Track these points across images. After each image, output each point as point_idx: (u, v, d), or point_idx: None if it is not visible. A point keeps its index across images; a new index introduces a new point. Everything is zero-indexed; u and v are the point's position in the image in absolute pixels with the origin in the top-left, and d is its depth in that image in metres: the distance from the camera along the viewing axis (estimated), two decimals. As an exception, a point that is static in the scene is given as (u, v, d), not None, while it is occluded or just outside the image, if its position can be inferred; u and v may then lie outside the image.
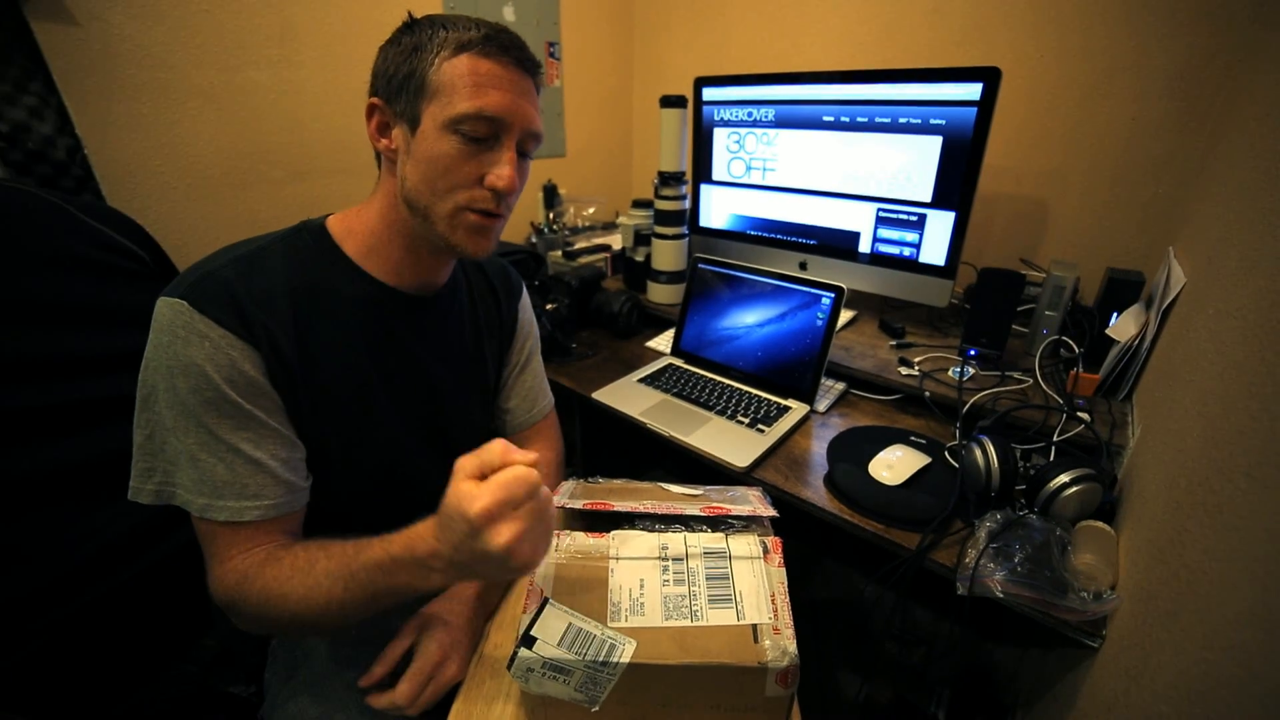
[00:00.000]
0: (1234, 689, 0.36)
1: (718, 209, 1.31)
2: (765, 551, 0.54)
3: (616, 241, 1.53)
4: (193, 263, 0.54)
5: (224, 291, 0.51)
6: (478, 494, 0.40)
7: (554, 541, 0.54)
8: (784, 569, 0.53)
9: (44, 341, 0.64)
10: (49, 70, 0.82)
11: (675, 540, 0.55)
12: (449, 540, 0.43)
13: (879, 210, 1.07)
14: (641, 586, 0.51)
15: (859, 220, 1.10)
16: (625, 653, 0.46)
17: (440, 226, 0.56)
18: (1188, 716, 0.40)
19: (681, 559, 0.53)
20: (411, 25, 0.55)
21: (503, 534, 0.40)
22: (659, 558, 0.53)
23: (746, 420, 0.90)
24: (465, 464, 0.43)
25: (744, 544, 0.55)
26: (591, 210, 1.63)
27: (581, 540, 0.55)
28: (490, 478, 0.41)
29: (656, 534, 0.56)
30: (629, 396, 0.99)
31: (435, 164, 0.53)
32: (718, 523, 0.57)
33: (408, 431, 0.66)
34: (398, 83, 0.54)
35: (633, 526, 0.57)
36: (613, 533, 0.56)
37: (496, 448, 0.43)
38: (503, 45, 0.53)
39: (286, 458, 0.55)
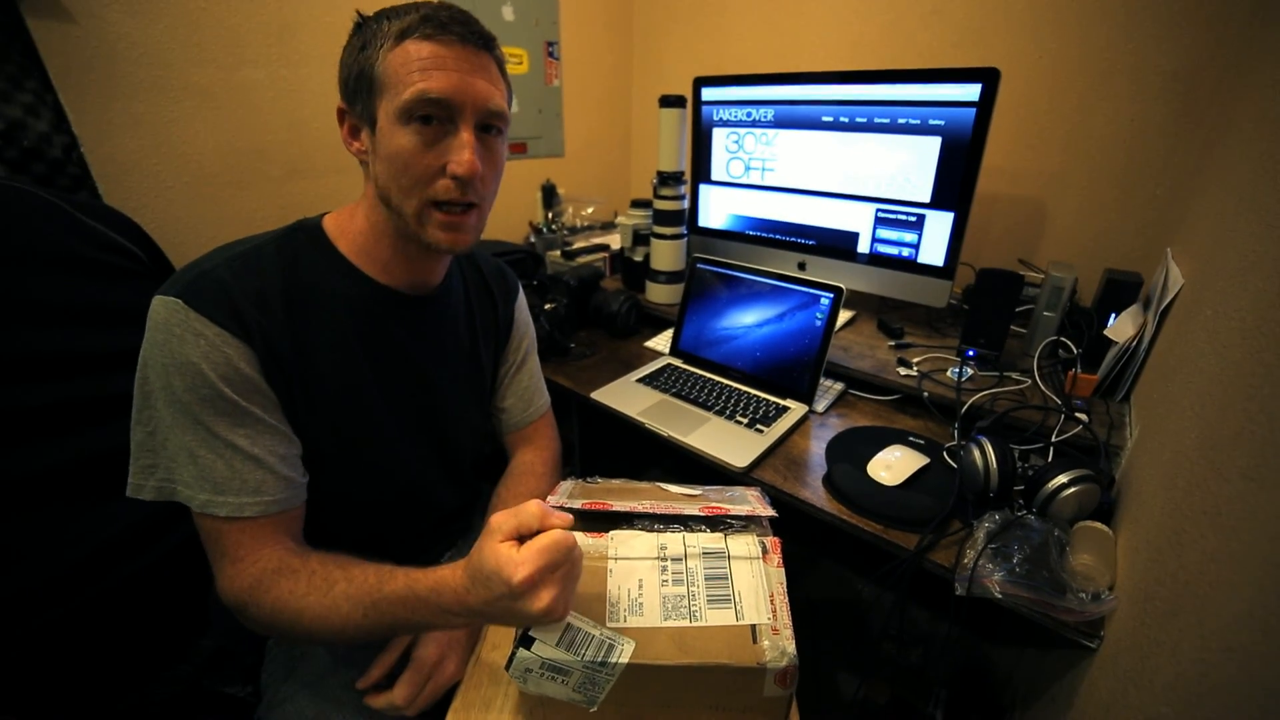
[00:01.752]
0: (1232, 691, 0.36)
1: (716, 209, 1.31)
2: (764, 551, 0.54)
3: (615, 241, 1.53)
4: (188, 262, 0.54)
5: (219, 290, 0.51)
6: (521, 561, 0.41)
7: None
8: (783, 569, 0.53)
9: (40, 340, 0.64)
10: (45, 68, 0.81)
11: (674, 540, 0.55)
12: (481, 596, 0.44)
13: (878, 211, 1.07)
14: (640, 587, 0.51)
15: (858, 220, 1.10)
16: (623, 653, 0.46)
17: (412, 224, 0.56)
18: (1186, 718, 0.40)
19: (680, 559, 0.53)
20: (361, 24, 0.54)
21: (543, 599, 0.42)
22: (657, 558, 0.53)
23: (745, 420, 0.90)
24: (503, 524, 0.43)
25: (743, 544, 0.54)
26: (590, 210, 1.63)
27: (580, 541, 0.55)
28: (530, 544, 0.42)
29: (655, 534, 0.55)
30: (627, 396, 0.98)
31: (395, 160, 0.53)
32: (716, 523, 0.57)
33: (403, 430, 0.66)
34: (352, 85, 0.54)
35: (631, 527, 0.57)
36: (611, 533, 0.55)
37: (534, 509, 0.44)
38: (441, 23, 0.51)
39: (284, 454, 0.55)
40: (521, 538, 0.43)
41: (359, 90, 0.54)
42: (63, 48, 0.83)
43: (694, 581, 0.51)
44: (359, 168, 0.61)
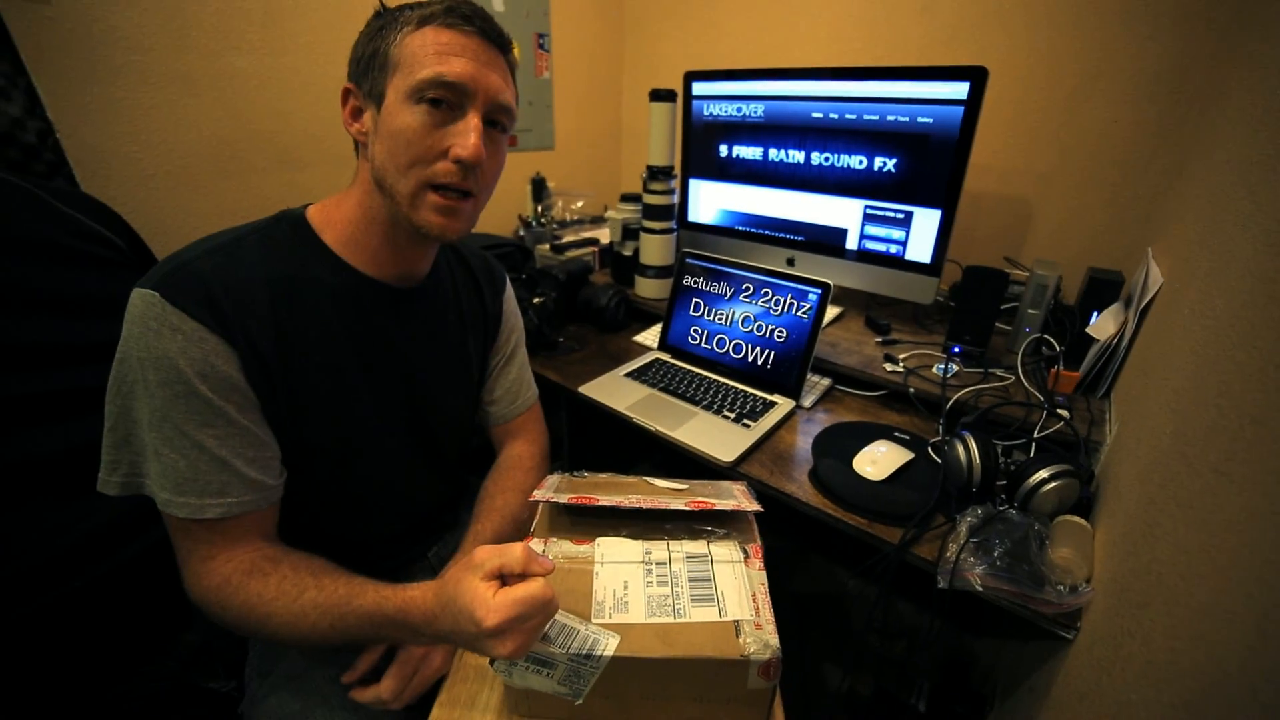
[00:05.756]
0: (1197, 677, 0.37)
1: (706, 204, 1.31)
2: (746, 556, 0.55)
3: (605, 235, 1.53)
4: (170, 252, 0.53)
5: (198, 284, 0.50)
6: (495, 607, 0.41)
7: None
8: (764, 571, 0.54)
9: (14, 331, 0.62)
10: (16, 50, 0.79)
11: (658, 547, 0.56)
12: (449, 626, 0.45)
13: (866, 207, 1.07)
14: (625, 587, 0.52)
15: (847, 217, 1.10)
16: (609, 646, 0.46)
17: (404, 206, 0.54)
18: (1154, 704, 0.41)
19: (665, 563, 0.54)
20: (381, 11, 0.56)
21: (507, 645, 0.42)
22: (643, 562, 0.54)
23: (732, 415, 0.91)
24: (486, 561, 0.44)
25: (725, 549, 0.56)
26: (580, 204, 1.63)
27: (568, 548, 0.56)
28: (508, 592, 0.42)
29: (640, 541, 0.56)
30: (615, 391, 0.98)
31: (398, 136, 0.52)
32: (699, 531, 0.58)
33: (389, 425, 0.65)
34: (364, 63, 0.54)
35: (617, 533, 0.57)
36: (598, 539, 0.56)
37: (519, 553, 0.44)
38: (464, 15, 0.53)
39: (254, 456, 0.53)
40: (503, 577, 0.44)
41: (370, 69, 0.54)
42: (35, 30, 0.80)
43: (678, 582, 0.52)
44: (348, 160, 0.60)
